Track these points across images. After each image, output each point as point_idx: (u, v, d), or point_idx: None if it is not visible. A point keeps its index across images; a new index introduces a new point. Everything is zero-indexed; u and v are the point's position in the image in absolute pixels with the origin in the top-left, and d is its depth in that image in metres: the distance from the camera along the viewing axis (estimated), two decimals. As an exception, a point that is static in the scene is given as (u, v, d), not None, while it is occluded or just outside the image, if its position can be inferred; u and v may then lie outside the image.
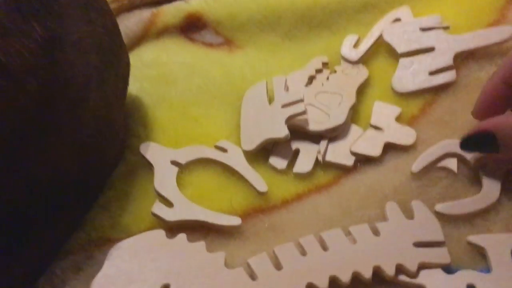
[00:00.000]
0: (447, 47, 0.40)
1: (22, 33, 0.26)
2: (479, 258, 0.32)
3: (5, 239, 0.30)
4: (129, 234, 0.31)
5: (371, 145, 0.37)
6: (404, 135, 0.37)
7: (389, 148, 0.37)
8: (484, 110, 0.34)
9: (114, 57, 0.34)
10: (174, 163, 0.35)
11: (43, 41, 0.27)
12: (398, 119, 0.39)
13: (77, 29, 0.30)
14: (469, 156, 0.35)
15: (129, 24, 0.45)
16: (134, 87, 0.41)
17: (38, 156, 0.28)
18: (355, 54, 0.42)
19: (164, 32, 0.46)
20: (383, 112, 0.39)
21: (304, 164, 0.36)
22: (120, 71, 0.35)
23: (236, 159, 0.36)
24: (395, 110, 0.39)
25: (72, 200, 0.33)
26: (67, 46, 0.29)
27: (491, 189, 0.34)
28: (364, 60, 0.42)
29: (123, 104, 0.37)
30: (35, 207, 0.30)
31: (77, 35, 0.30)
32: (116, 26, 0.36)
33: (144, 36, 0.45)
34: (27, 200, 0.29)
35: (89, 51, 0.31)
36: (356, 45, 0.43)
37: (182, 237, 0.31)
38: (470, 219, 0.33)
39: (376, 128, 0.38)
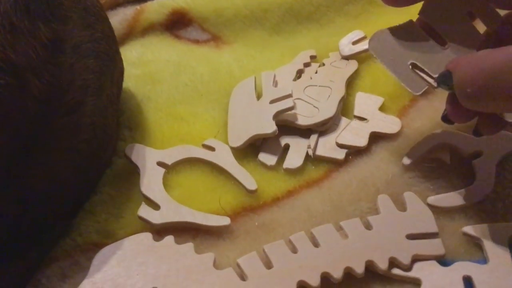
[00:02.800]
0: None
1: (29, 32, 0.26)
2: (475, 249, 0.31)
3: None
4: (115, 239, 0.31)
5: (357, 136, 0.36)
6: (389, 124, 0.36)
7: (380, 139, 0.36)
8: None
9: (111, 62, 0.34)
10: (160, 164, 0.34)
11: (48, 42, 0.27)
12: (389, 110, 0.38)
13: (77, 33, 0.30)
14: (462, 146, 0.34)
15: (113, 22, 0.43)
16: (119, 87, 0.40)
17: (36, 166, 0.28)
18: (348, 50, 0.42)
19: (148, 29, 0.45)
20: (366, 102, 0.38)
21: (294, 159, 0.36)
22: (115, 76, 0.35)
23: (225, 158, 0.35)
24: (378, 100, 0.38)
25: (63, 209, 0.32)
26: (68, 49, 0.29)
27: (485, 179, 0.33)
28: (353, 57, 0.41)
29: (116, 110, 0.37)
30: (26, 220, 0.29)
31: (77, 39, 0.30)
32: (112, 32, 0.36)
33: (129, 34, 0.45)
34: (20, 214, 0.29)
35: (88, 55, 0.31)
36: (356, 42, 0.42)
37: (169, 239, 0.30)
38: (465, 209, 0.33)
39: (360, 118, 0.37)
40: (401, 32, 0.32)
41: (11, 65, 0.25)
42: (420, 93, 0.32)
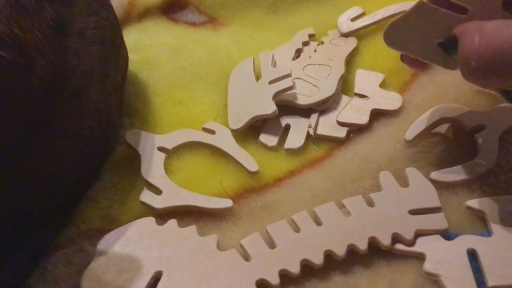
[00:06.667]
0: None
1: (35, 11, 0.27)
2: (479, 222, 0.31)
3: None
4: (118, 225, 0.31)
5: (358, 114, 0.36)
6: (390, 100, 0.36)
7: (381, 115, 0.36)
8: None
9: (115, 50, 0.34)
10: (161, 149, 0.34)
11: (53, 23, 0.27)
12: (390, 86, 0.38)
13: (83, 19, 0.30)
14: (464, 120, 0.34)
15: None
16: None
17: (40, 150, 0.28)
18: (346, 27, 0.41)
19: (145, 14, 0.45)
20: (366, 79, 0.38)
21: (295, 139, 0.36)
22: (119, 64, 0.35)
23: (225, 140, 0.35)
24: (378, 76, 0.38)
25: (67, 195, 0.32)
26: (74, 33, 0.29)
27: (488, 153, 0.33)
28: (352, 34, 0.41)
29: (120, 98, 0.36)
30: (31, 206, 0.30)
31: (83, 24, 0.30)
32: (117, 20, 0.36)
33: (125, 19, 0.44)
34: (25, 200, 0.29)
35: (92, 42, 0.31)
36: (355, 18, 0.42)
37: (172, 223, 0.30)
38: (468, 183, 0.32)
39: (361, 96, 0.37)
40: (414, 17, 0.30)
41: (17, 41, 0.25)
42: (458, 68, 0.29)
